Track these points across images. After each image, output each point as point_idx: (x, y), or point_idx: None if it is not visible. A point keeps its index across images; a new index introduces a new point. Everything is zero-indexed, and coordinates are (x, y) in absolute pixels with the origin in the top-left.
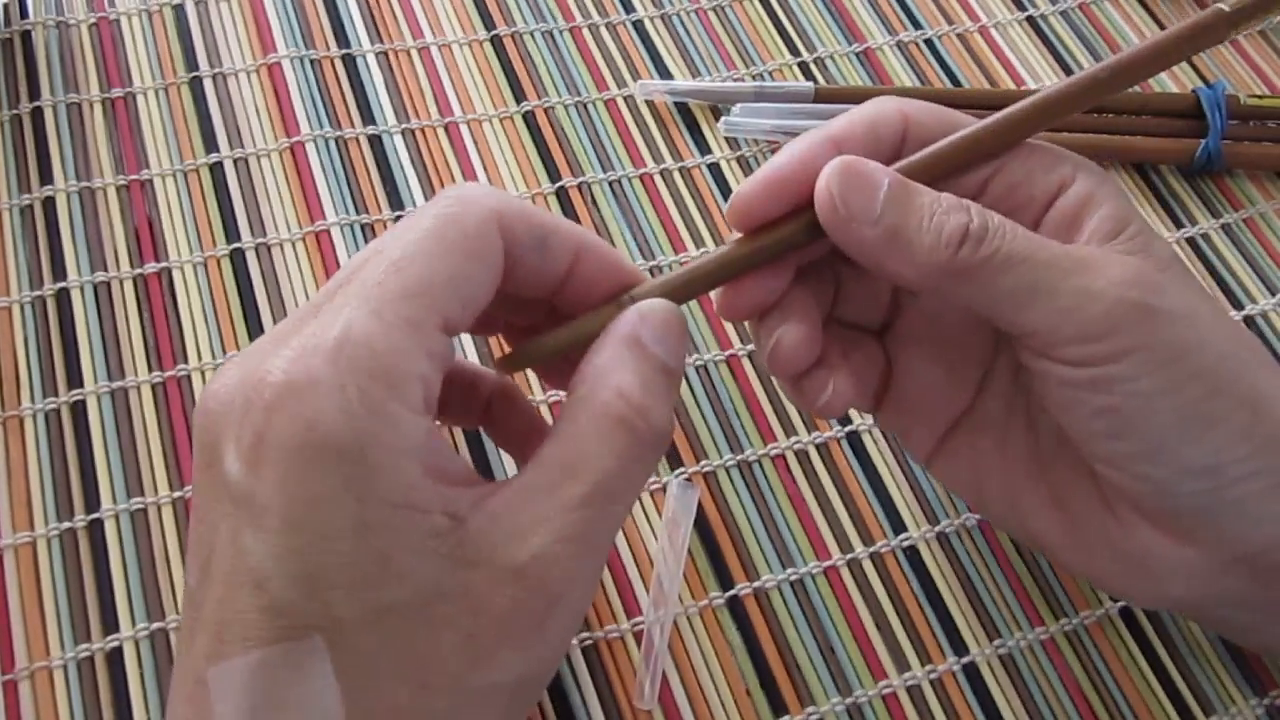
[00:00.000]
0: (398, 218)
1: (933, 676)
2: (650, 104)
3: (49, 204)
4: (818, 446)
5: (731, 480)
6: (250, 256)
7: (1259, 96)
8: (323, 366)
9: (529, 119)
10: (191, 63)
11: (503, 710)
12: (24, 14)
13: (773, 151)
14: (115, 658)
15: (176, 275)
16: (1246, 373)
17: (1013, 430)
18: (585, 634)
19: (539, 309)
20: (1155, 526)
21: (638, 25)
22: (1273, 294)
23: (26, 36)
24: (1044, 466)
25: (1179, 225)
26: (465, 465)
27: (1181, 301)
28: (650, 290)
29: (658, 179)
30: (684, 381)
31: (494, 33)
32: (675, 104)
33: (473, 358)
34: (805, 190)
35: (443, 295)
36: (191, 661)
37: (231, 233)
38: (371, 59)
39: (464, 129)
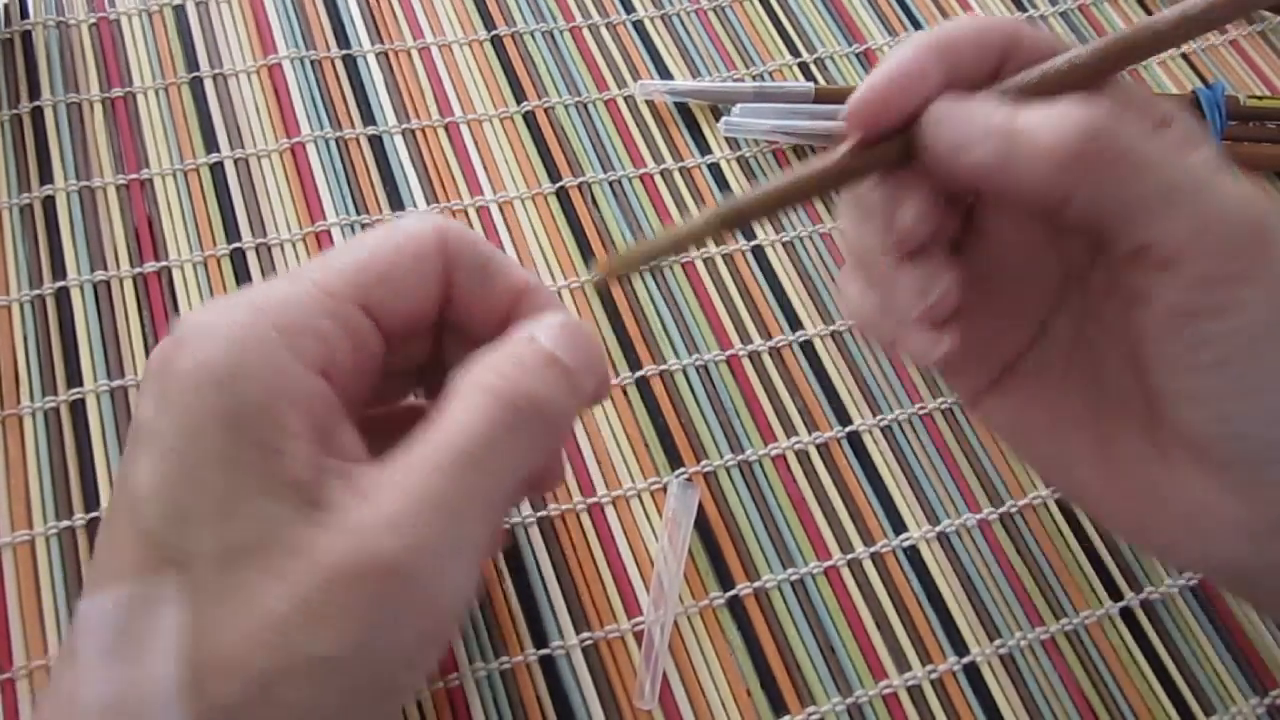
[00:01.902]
0: (398, 218)
1: (933, 676)
2: (650, 104)
3: (49, 203)
4: (818, 446)
5: (732, 480)
6: (250, 256)
7: (1258, 97)
8: (228, 311)
9: (529, 119)
10: (192, 63)
11: (338, 691)
12: (24, 14)
13: (775, 153)
14: None
15: (176, 275)
16: None
17: (1071, 379)
18: (585, 634)
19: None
20: (1215, 478)
21: (638, 25)
22: None
23: (27, 36)
24: (1098, 416)
25: None
26: (360, 446)
27: None
28: (745, 201)
29: (658, 179)
30: (685, 381)
31: (494, 33)
32: (675, 104)
33: None
34: (925, 89)
35: (363, 274)
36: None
37: (232, 232)
38: (372, 59)
39: (464, 129)
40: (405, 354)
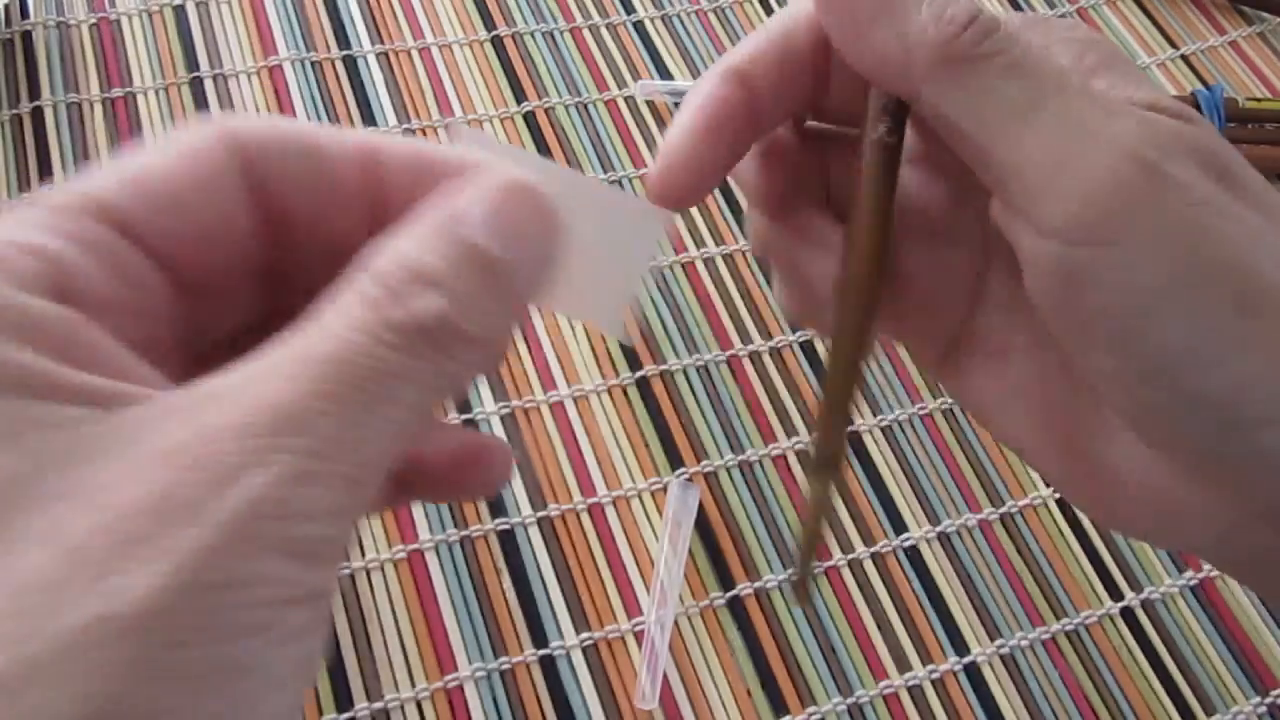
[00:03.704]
0: None
1: (934, 676)
2: (650, 104)
3: None
4: None
5: (732, 480)
6: None
7: (1257, 99)
8: None
9: (529, 119)
10: (192, 63)
11: (125, 659)
12: (25, 14)
13: None
14: None
15: None
16: None
17: (1013, 348)
18: (585, 634)
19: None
20: (1171, 463)
21: (638, 26)
22: None
23: (27, 37)
24: (1045, 391)
25: None
26: (157, 375)
27: (1209, 177)
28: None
29: None
30: (685, 381)
31: (494, 33)
32: (675, 104)
33: None
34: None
35: (102, 183)
36: None
37: None
38: (372, 60)
39: None
40: (228, 304)
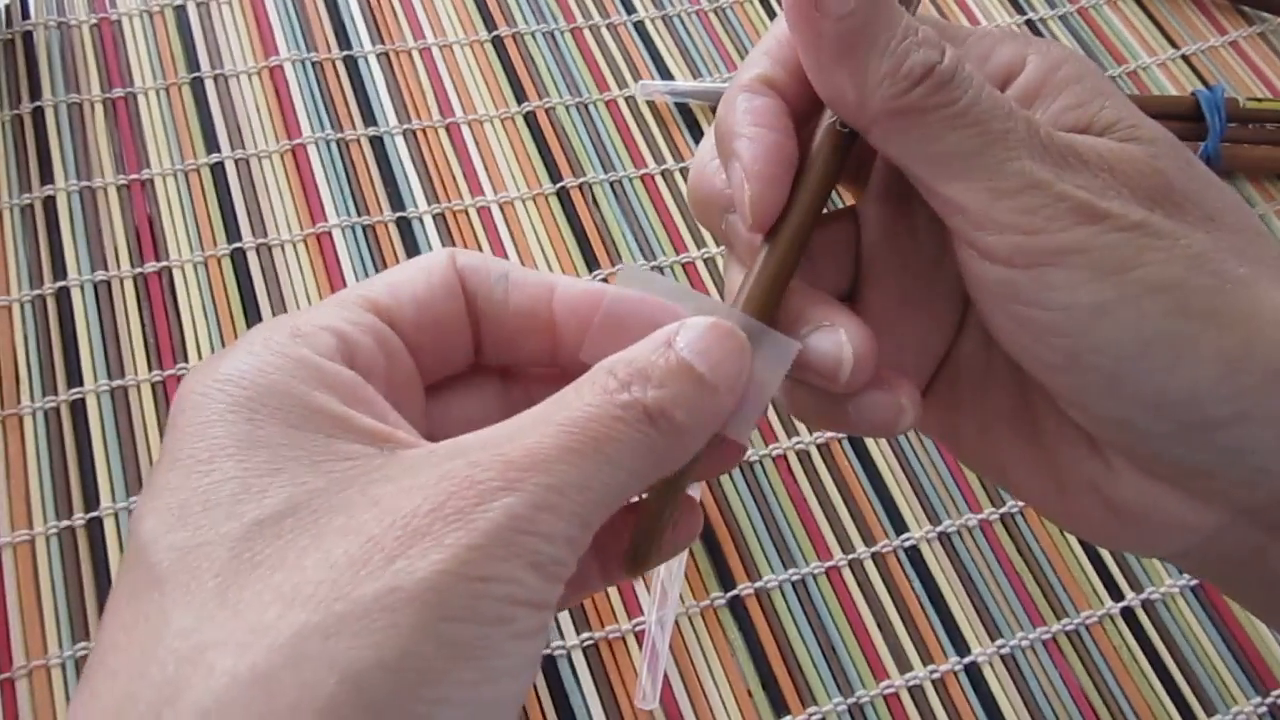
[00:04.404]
0: (399, 219)
1: (934, 676)
2: (651, 104)
3: (50, 203)
4: (819, 446)
5: (733, 480)
6: (251, 256)
7: (1258, 100)
8: (251, 334)
9: (530, 119)
10: (193, 63)
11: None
12: (26, 14)
13: None
14: None
15: (177, 274)
16: (1242, 290)
17: (993, 376)
18: (586, 634)
19: (554, 378)
20: (1146, 474)
21: (639, 26)
22: None
23: (28, 37)
24: (1024, 415)
25: None
26: (411, 428)
27: (1145, 204)
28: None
29: (659, 179)
30: None
31: (495, 33)
32: (676, 104)
33: None
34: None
35: (372, 287)
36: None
37: (232, 233)
38: (373, 60)
39: (465, 129)
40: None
